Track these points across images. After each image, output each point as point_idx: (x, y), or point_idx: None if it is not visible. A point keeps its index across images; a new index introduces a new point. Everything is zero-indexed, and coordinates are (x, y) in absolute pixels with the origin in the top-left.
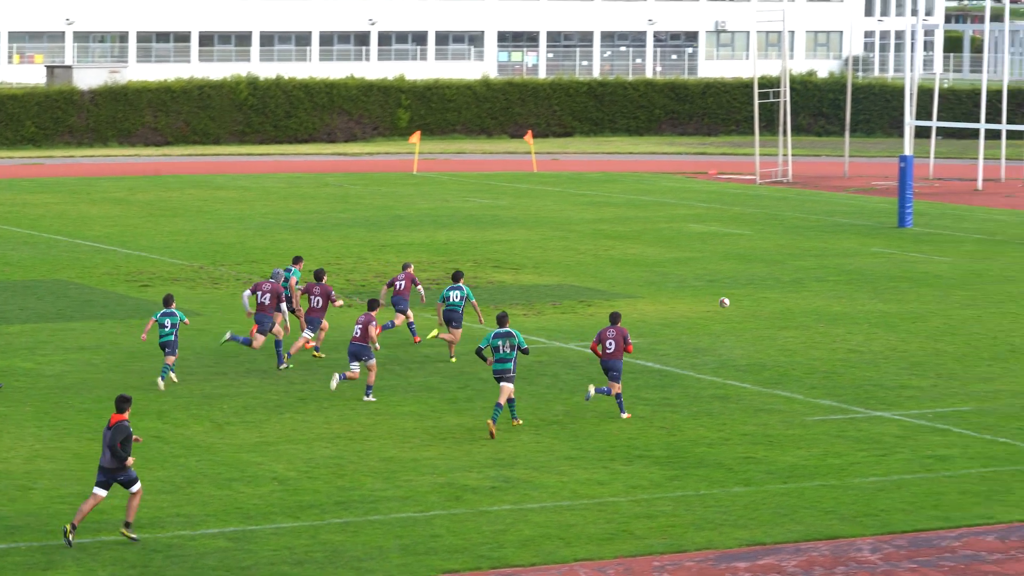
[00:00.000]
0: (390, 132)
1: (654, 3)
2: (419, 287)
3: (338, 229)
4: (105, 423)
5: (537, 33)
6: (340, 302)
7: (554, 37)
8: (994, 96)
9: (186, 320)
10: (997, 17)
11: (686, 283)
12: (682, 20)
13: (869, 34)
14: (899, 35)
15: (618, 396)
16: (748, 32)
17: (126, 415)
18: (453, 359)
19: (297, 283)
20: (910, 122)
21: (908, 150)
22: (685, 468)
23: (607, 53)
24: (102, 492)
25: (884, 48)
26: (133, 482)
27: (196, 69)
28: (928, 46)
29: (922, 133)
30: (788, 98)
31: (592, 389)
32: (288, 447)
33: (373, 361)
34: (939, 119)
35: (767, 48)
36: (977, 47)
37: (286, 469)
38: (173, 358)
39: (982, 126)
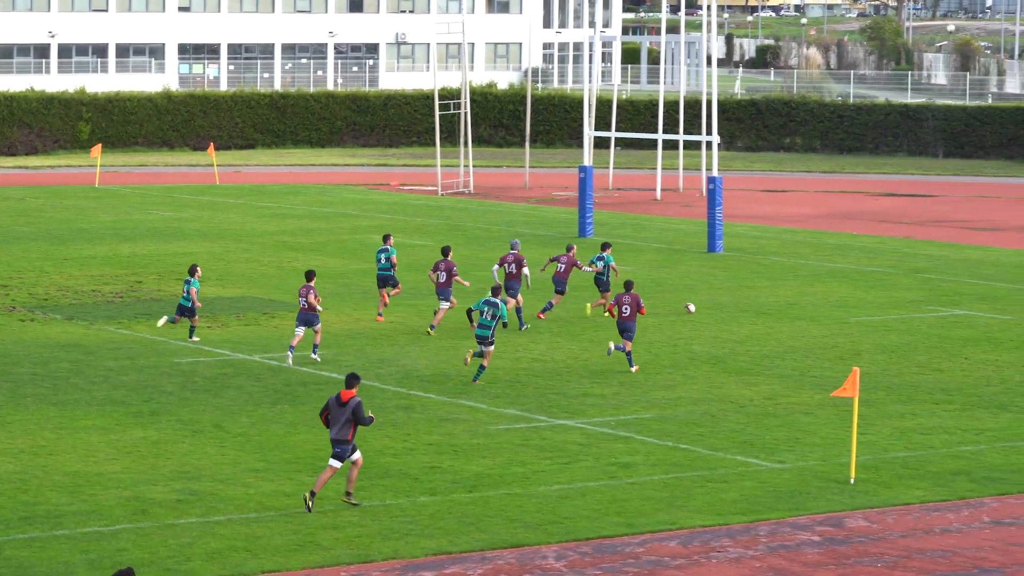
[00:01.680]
0: (71, 145)
1: (335, 15)
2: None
3: (19, 243)
4: None
5: (218, 45)
6: (466, 283)
7: (235, 49)
8: (671, 107)
9: (193, 291)
10: (673, 29)
11: (368, 294)
12: (363, 32)
13: (548, 46)
14: (577, 47)
15: (628, 353)
16: (428, 44)
17: (355, 391)
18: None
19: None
20: (589, 133)
21: (587, 160)
22: (371, 479)
23: (288, 65)
24: (337, 463)
25: (563, 60)
26: (354, 450)
27: None
28: (606, 57)
29: (602, 144)
30: (468, 109)
31: (612, 345)
32: None
33: (319, 325)
34: (618, 130)
35: (448, 60)
36: (654, 58)
37: None
38: (184, 319)
39: (659, 136)
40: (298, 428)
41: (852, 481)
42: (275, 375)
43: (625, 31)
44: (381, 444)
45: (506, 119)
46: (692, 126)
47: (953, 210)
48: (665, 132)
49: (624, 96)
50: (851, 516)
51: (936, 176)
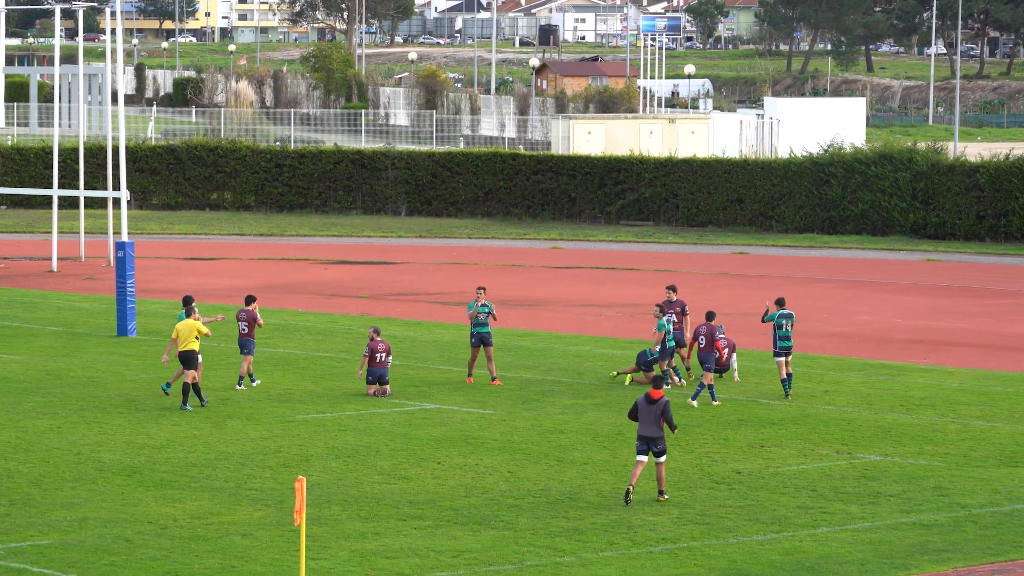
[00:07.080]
0: None
1: None
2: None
3: None
4: None
5: None
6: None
7: None
8: (69, 155)
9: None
10: (70, 58)
11: None
12: None
13: None
14: None
15: (710, 387)
16: None
17: (662, 392)
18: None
19: None
20: None
21: None
22: None
23: None
24: (643, 458)
25: None
26: (663, 453)
27: None
28: None
29: None
30: None
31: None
32: None
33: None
34: (2, 184)
35: None
36: (47, 95)
37: None
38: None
39: (55, 192)
40: None
41: None
42: None
43: (10, 61)
44: None
45: None
46: (96, 179)
47: (420, 281)
48: (62, 187)
49: (10, 142)
50: None
51: (398, 239)
